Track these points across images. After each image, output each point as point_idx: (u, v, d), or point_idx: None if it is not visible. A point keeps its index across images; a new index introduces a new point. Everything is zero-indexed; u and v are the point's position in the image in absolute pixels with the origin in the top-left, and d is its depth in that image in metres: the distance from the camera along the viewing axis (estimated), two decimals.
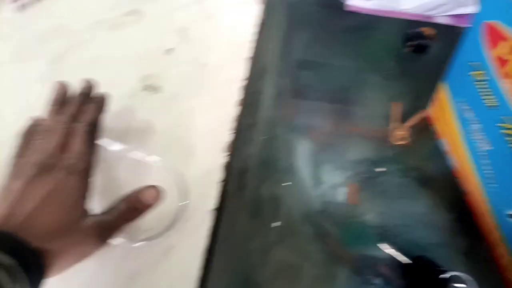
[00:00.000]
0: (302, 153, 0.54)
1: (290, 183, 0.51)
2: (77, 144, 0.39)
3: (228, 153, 0.49)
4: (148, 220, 0.44)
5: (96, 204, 0.44)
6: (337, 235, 0.52)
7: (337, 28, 0.66)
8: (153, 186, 0.40)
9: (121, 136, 0.49)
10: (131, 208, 0.39)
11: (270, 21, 0.62)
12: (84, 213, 0.37)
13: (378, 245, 0.46)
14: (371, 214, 0.53)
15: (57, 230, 0.35)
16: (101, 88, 0.51)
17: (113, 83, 0.52)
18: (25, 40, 0.55)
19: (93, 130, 0.42)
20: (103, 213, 0.39)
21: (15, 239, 0.32)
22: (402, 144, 0.53)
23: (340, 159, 0.54)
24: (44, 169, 0.37)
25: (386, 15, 0.64)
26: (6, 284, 0.29)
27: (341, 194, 0.51)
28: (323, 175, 0.53)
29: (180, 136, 0.50)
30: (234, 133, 0.51)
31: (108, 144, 0.47)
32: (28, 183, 0.36)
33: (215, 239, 0.45)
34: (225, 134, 0.50)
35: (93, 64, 0.53)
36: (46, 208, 0.35)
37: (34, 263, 0.32)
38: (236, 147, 0.50)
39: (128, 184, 0.46)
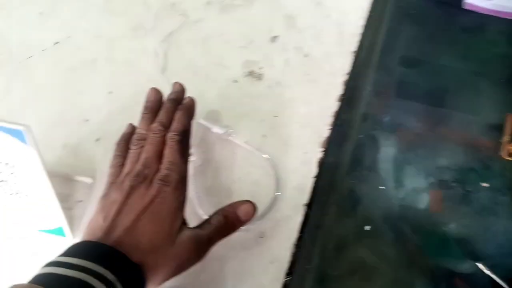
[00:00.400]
0: (389, 153, 0.52)
1: (384, 187, 0.50)
2: (171, 154, 0.39)
3: (324, 148, 0.49)
4: None
5: (193, 186, 0.46)
6: (417, 242, 0.51)
7: (448, 25, 0.62)
8: (250, 202, 0.39)
9: (222, 119, 0.50)
10: (229, 223, 0.39)
11: (378, 13, 0.59)
12: (181, 226, 0.37)
13: (477, 264, 0.44)
14: (454, 225, 0.50)
15: (155, 243, 0.35)
16: (207, 68, 0.53)
17: (218, 65, 0.53)
18: (140, 15, 0.57)
19: (184, 139, 0.40)
20: (199, 227, 0.38)
21: (116, 253, 0.33)
22: None
23: (428, 164, 0.51)
24: (141, 180, 0.37)
25: (506, 16, 0.58)
26: None
27: (424, 200, 0.49)
28: (407, 177, 0.51)
29: (278, 125, 0.50)
30: (332, 128, 0.50)
31: (209, 125, 0.49)
32: (126, 195, 0.36)
33: (304, 233, 0.45)
34: (323, 128, 0.50)
35: (202, 44, 0.55)
36: (144, 221, 0.35)
37: (135, 278, 0.33)
38: (332, 143, 0.50)
39: (225, 167, 0.48)
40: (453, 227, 0.48)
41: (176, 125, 0.41)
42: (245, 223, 0.39)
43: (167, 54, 0.54)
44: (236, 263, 0.43)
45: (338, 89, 0.52)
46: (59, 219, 0.42)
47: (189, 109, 0.44)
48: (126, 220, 0.35)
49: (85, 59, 0.54)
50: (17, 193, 0.40)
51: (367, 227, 0.48)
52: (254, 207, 0.39)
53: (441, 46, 0.61)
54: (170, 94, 0.45)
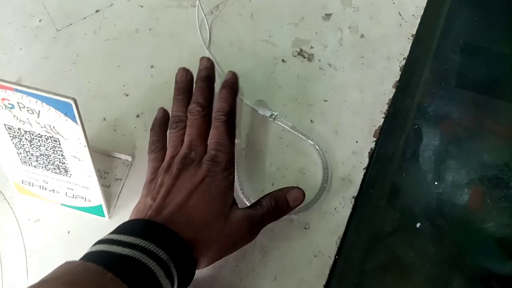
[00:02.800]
0: (442, 145, 0.49)
1: (436, 182, 0.47)
2: (218, 135, 0.38)
3: (376, 138, 0.45)
4: None
5: (236, 170, 0.44)
6: (455, 239, 0.48)
7: None
8: (299, 189, 0.38)
9: (269, 100, 0.47)
10: (279, 206, 0.38)
11: None
12: (232, 205, 0.37)
13: None
14: (494, 224, 0.48)
15: (207, 220, 0.34)
16: (255, 45, 0.50)
17: (266, 42, 0.50)
18: None
19: (230, 119, 0.39)
20: (251, 207, 0.38)
21: (168, 231, 0.32)
22: None
23: (470, 158, 0.48)
24: (189, 163, 0.37)
25: None
26: (163, 280, 0.29)
27: (464, 196, 0.47)
28: (448, 171, 0.48)
29: (328, 110, 0.47)
30: (386, 117, 0.46)
31: (255, 107, 0.46)
32: (175, 177, 0.36)
33: (349, 228, 0.42)
34: (376, 116, 0.46)
35: (250, 19, 0.51)
36: (195, 199, 0.35)
37: (186, 256, 0.33)
38: (385, 133, 0.46)
39: (270, 152, 0.45)
40: (492, 226, 0.46)
41: (221, 104, 0.40)
42: (293, 209, 0.39)
43: (212, 27, 0.51)
44: (278, 253, 0.41)
45: (394, 75, 0.48)
46: (98, 197, 0.40)
47: (233, 87, 0.42)
48: (177, 198, 0.35)
49: (127, 29, 0.51)
50: (58, 168, 0.38)
51: (407, 223, 0.46)
52: (303, 193, 0.38)
53: (503, 32, 0.56)
54: (200, 71, 0.43)
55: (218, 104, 0.40)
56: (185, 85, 0.43)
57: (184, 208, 0.34)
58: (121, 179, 0.44)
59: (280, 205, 0.38)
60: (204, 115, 0.39)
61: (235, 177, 0.43)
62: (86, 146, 0.35)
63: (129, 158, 0.45)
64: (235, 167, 0.39)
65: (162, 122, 0.43)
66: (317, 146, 0.44)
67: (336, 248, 0.41)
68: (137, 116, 0.47)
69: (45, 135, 0.35)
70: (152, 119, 0.47)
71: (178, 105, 0.42)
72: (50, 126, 0.34)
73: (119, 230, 0.33)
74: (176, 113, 0.41)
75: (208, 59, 0.44)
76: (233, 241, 0.36)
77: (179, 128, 0.40)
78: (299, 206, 0.42)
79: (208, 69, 0.43)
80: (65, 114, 0.33)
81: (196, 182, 0.35)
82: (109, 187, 0.44)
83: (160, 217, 0.34)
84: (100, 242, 0.31)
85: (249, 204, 0.42)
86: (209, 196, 0.35)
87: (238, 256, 0.41)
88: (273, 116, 0.46)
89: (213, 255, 0.35)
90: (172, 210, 0.34)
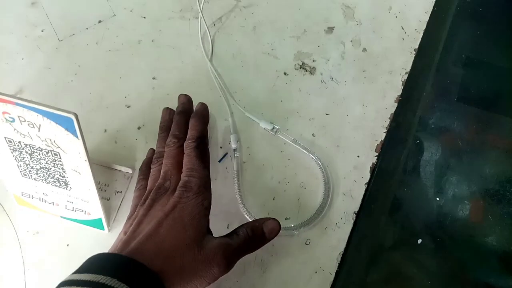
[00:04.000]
0: (444, 159, 0.49)
1: (437, 198, 0.46)
2: (189, 161, 0.37)
3: (378, 153, 0.45)
4: (287, 209, 0.43)
5: (236, 183, 0.43)
6: (455, 253, 0.48)
7: None
8: (275, 220, 0.37)
9: (271, 114, 0.47)
10: (256, 236, 0.36)
11: (443, 9, 0.55)
12: (206, 232, 0.35)
13: None
14: (495, 237, 0.47)
15: (178, 249, 0.32)
16: (257, 58, 0.50)
17: (268, 55, 0.50)
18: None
19: (201, 144, 0.39)
20: (227, 236, 0.36)
21: (133, 263, 0.31)
22: None
23: (470, 171, 0.48)
24: (163, 192, 0.36)
25: None
26: None
27: (465, 210, 0.46)
28: (449, 186, 0.48)
29: (330, 124, 0.46)
30: (387, 132, 0.46)
31: (256, 120, 0.46)
32: (148, 208, 0.35)
33: (350, 243, 0.42)
34: (378, 131, 0.46)
35: (252, 31, 0.51)
36: (166, 227, 0.33)
37: (154, 286, 0.30)
38: (386, 148, 0.46)
39: (271, 166, 0.45)
40: (493, 240, 0.46)
41: (190, 132, 0.40)
42: (269, 240, 0.37)
43: (215, 40, 0.51)
44: (278, 269, 0.41)
45: (396, 89, 0.48)
46: (98, 210, 0.40)
47: (202, 115, 0.43)
48: (146, 228, 0.33)
49: (129, 40, 0.51)
50: (58, 181, 0.38)
51: (408, 238, 0.46)
52: (279, 224, 0.37)
53: (505, 47, 0.56)
54: (177, 107, 0.45)
55: (188, 133, 0.41)
56: (167, 123, 0.44)
57: (154, 237, 0.32)
58: (121, 192, 0.44)
59: (256, 235, 0.36)
60: (179, 146, 0.39)
61: (237, 191, 0.43)
62: (87, 160, 0.35)
63: (130, 171, 0.45)
64: (211, 192, 0.37)
65: (149, 162, 0.43)
66: (318, 161, 0.44)
67: (337, 264, 0.41)
68: (139, 128, 0.47)
69: (46, 149, 0.35)
70: (153, 131, 0.47)
71: (161, 142, 0.43)
72: (50, 140, 0.34)
73: (82, 268, 0.31)
74: (158, 149, 0.42)
75: (186, 95, 0.45)
76: (208, 270, 0.33)
77: (159, 162, 0.40)
78: (301, 221, 0.42)
79: (185, 104, 0.44)
80: (66, 129, 0.33)
81: (167, 209, 0.34)
82: (109, 199, 0.44)
83: (128, 249, 0.32)
84: (62, 284, 0.30)
85: (250, 219, 0.42)
86: (181, 223, 0.33)
87: (237, 271, 0.41)
88: (275, 130, 0.46)
89: (186, 284, 0.32)
90: (140, 241, 0.32)
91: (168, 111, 0.45)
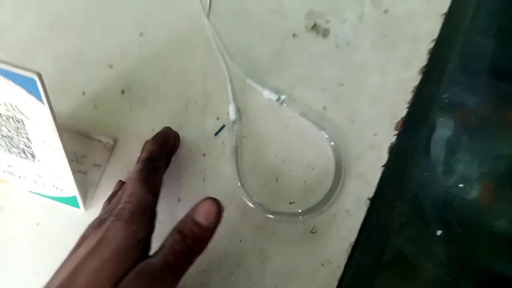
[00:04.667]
0: (457, 139, 0.44)
1: (462, 185, 0.41)
2: (130, 184, 0.30)
3: (398, 131, 0.39)
4: (292, 192, 0.38)
5: (234, 161, 0.38)
6: (463, 237, 0.43)
7: None
8: (210, 200, 0.29)
9: (276, 81, 0.41)
10: (187, 238, 0.28)
11: None
12: (135, 260, 0.27)
13: None
14: (505, 222, 0.43)
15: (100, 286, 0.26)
16: (262, 16, 0.43)
17: (275, 13, 0.43)
18: None
19: (148, 166, 0.32)
20: (151, 256, 0.28)
21: None
22: None
23: (482, 151, 0.43)
24: (96, 225, 0.29)
25: None
26: None
27: (473, 191, 0.42)
28: (457, 164, 0.43)
29: (344, 97, 0.40)
30: (410, 107, 0.40)
31: (259, 88, 0.40)
32: (75, 248, 0.29)
33: (362, 233, 0.37)
34: (399, 106, 0.40)
35: None
36: (83, 271, 0.26)
37: None
38: (407, 126, 0.40)
39: (275, 142, 0.39)
40: (503, 224, 0.42)
41: (141, 154, 0.34)
42: (214, 228, 0.29)
43: None
44: (279, 260, 0.36)
45: (421, 59, 0.42)
46: (72, 187, 0.34)
47: (160, 135, 0.36)
48: (60, 276, 0.26)
49: None
50: (24, 152, 0.32)
51: (426, 228, 0.41)
52: (217, 204, 0.29)
53: None
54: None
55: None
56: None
57: (75, 276, 0.26)
58: (100, 165, 0.38)
59: (189, 234, 0.28)
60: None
61: (234, 169, 0.37)
62: (56, 130, 0.29)
63: (111, 141, 0.39)
64: (154, 221, 0.30)
65: (113, 197, 0.36)
66: (329, 138, 0.38)
67: (347, 257, 0.36)
68: (122, 91, 0.41)
69: (6, 114, 0.29)
70: (139, 95, 0.40)
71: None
72: (11, 104, 0.28)
73: None
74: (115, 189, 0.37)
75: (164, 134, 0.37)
76: None
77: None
78: (306, 207, 0.37)
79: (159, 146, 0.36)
80: (29, 92, 0.26)
81: (90, 247, 0.27)
82: (86, 174, 0.38)
83: None
84: None
85: (249, 203, 0.37)
86: (101, 261, 0.26)
87: (233, 261, 0.36)
88: (280, 100, 0.39)
89: None
90: (59, 282, 0.26)
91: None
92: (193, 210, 0.29)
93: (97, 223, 0.29)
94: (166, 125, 0.38)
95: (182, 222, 0.29)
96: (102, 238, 0.26)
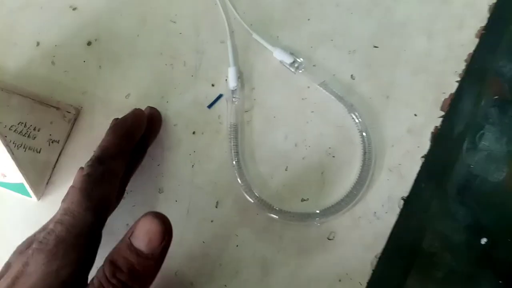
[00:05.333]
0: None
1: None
2: (68, 197, 0.22)
3: (444, 112, 0.31)
4: (306, 186, 0.29)
5: (243, 139, 0.29)
6: (487, 225, 0.37)
7: None
8: (147, 216, 0.20)
9: (292, 39, 0.31)
10: (123, 272, 0.20)
11: None
12: None
13: None
14: None
15: None
16: None
17: None
18: None
19: (98, 168, 0.23)
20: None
21: None
22: None
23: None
24: (23, 249, 0.23)
25: None
26: None
27: (499, 171, 0.35)
28: (483, 140, 0.36)
29: (379, 62, 0.31)
30: (462, 80, 0.31)
31: (269, 47, 0.30)
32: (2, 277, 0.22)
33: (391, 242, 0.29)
34: (448, 79, 0.31)
35: None
36: None
37: None
38: (458, 105, 0.31)
39: (285, 119, 0.30)
40: None
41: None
42: (155, 258, 0.20)
43: None
44: (286, 272, 0.28)
45: (480, 18, 0.32)
46: (15, 173, 0.26)
47: (118, 125, 0.26)
48: None
49: None
50: None
51: (468, 235, 0.34)
52: (159, 222, 0.20)
53: None
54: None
55: None
56: None
57: None
58: (58, 142, 0.29)
59: (124, 266, 0.20)
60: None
61: (232, 152, 0.29)
62: None
63: (73, 110, 0.30)
64: (90, 252, 0.22)
65: None
66: (357, 117, 0.29)
67: (371, 271, 0.28)
68: (89, 43, 0.31)
69: None
70: (111, 49, 0.31)
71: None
72: None
73: None
74: None
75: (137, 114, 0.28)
76: None
77: None
78: (323, 207, 0.29)
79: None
80: None
81: (4, 286, 0.20)
82: (39, 152, 0.29)
83: None
84: None
85: (249, 198, 0.28)
86: None
87: (227, 272, 0.28)
88: (296, 65, 0.30)
89: None
90: None
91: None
92: (131, 230, 0.20)
93: (25, 246, 0.21)
94: (141, 104, 0.29)
95: (115, 249, 0.21)
96: (19, 274, 0.19)
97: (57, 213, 0.22)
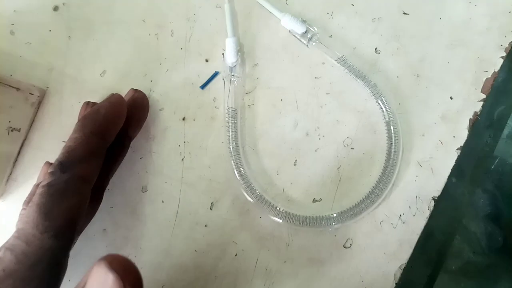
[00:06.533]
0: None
1: None
2: (23, 216, 0.17)
3: (485, 95, 0.25)
4: (319, 184, 0.25)
5: (243, 127, 0.24)
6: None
7: None
8: (105, 266, 0.15)
9: (302, 4, 0.26)
10: None
11: None
12: None
13: None
14: None
15: None
16: None
17: None
18: None
19: (58, 179, 0.18)
20: None
21: None
22: None
23: None
24: None
25: None
26: None
27: None
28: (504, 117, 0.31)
29: (407, 33, 0.26)
30: (508, 56, 0.26)
31: (277, 13, 0.25)
32: None
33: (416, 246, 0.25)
34: (491, 55, 0.26)
35: None
36: None
37: None
38: (501, 86, 0.26)
39: (299, 101, 0.25)
40: None
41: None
42: None
43: None
44: (294, 285, 0.24)
45: None
46: None
47: (88, 116, 0.20)
48: None
49: None
50: None
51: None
52: (116, 279, 0.15)
53: None
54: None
55: None
56: None
57: None
58: (19, 130, 0.24)
59: None
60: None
61: (230, 148, 0.24)
62: None
63: (37, 92, 0.24)
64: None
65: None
66: (381, 99, 0.24)
67: (394, 285, 0.24)
68: (55, 8, 0.25)
69: None
70: (83, 16, 0.25)
71: None
72: None
73: None
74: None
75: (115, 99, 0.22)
76: None
77: None
78: (338, 209, 0.24)
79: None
80: None
81: None
82: None
83: None
84: None
85: (249, 198, 0.24)
86: None
87: (224, 284, 0.24)
88: (308, 36, 0.25)
89: None
90: None
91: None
92: (82, 282, 0.16)
93: None
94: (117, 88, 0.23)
95: None
96: None
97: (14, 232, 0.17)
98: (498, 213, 0.31)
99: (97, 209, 0.22)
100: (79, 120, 0.20)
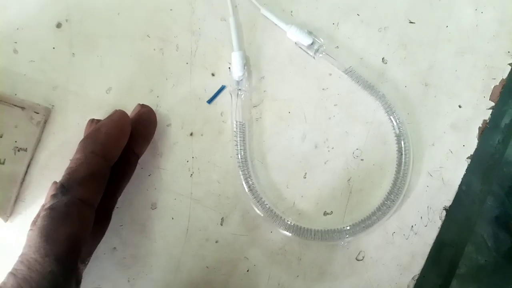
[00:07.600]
0: None
1: None
2: (26, 240, 0.18)
3: (494, 103, 0.25)
4: (329, 196, 0.24)
5: (252, 140, 0.24)
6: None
7: None
8: None
9: (309, 15, 0.25)
10: None
11: None
12: None
13: None
14: None
15: None
16: None
17: None
18: None
19: (59, 202, 0.18)
20: None
21: None
22: None
23: None
24: None
25: None
26: None
27: None
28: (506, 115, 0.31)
29: (414, 41, 0.25)
30: None
31: (282, 25, 0.25)
32: None
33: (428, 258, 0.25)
34: (499, 62, 0.25)
35: None
36: None
37: None
38: (507, 92, 0.26)
39: (306, 113, 0.25)
40: None
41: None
42: None
43: None
44: None
45: None
46: None
47: (91, 135, 0.20)
48: None
49: None
50: None
51: None
52: None
53: None
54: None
55: None
56: None
57: None
58: (26, 150, 0.24)
59: None
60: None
61: (239, 156, 0.24)
62: None
63: (42, 111, 0.24)
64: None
65: None
66: (390, 110, 0.24)
67: None
68: (58, 25, 0.25)
69: None
70: (86, 32, 0.25)
71: None
72: None
73: None
74: None
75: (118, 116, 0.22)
76: None
77: None
78: (350, 222, 0.24)
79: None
80: None
81: None
82: (3, 163, 0.24)
83: None
84: None
85: (259, 211, 0.23)
86: None
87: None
88: (315, 47, 0.24)
89: None
90: None
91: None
92: None
93: None
94: (122, 105, 0.23)
95: None
96: None
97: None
98: (506, 217, 0.31)
99: (106, 229, 0.21)
100: (81, 140, 0.20)
